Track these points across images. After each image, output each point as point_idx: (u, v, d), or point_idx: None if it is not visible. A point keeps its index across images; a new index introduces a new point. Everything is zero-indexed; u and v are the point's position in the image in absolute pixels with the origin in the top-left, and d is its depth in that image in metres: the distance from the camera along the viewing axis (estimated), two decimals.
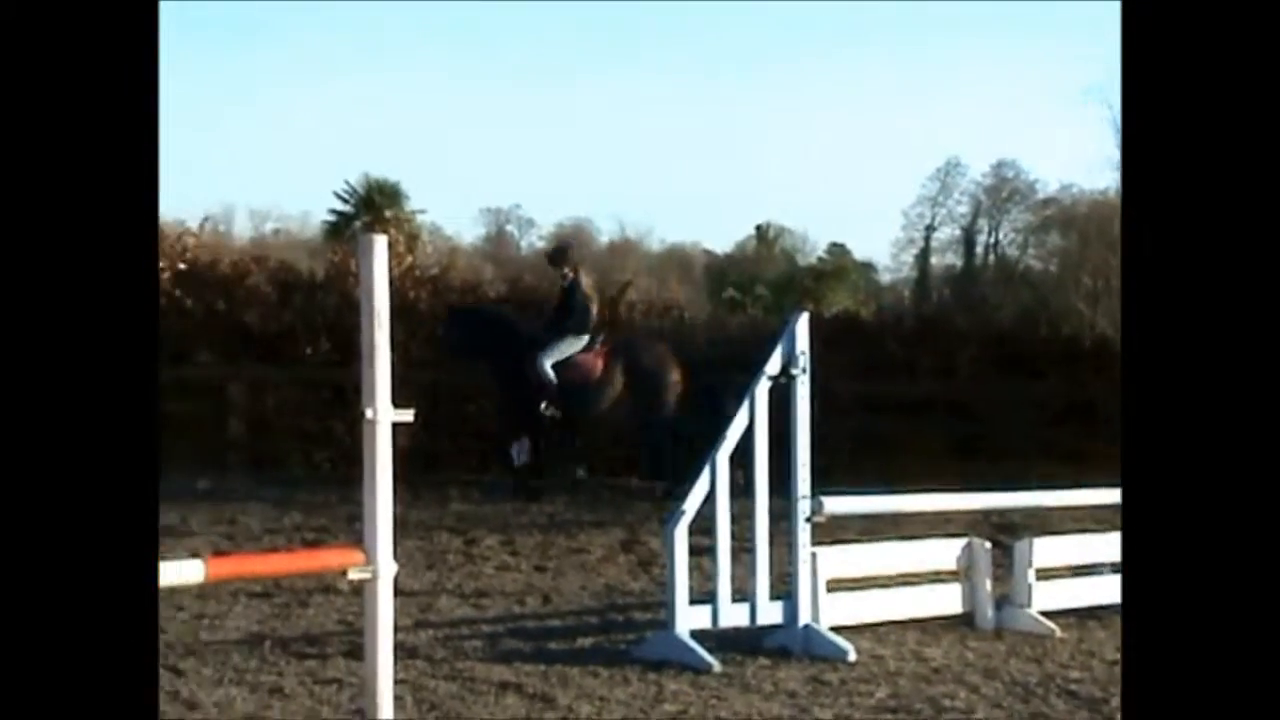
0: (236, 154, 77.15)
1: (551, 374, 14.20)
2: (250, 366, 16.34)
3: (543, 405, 14.20)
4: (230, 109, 79.81)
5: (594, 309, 14.37)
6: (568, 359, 14.21)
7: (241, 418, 16.32)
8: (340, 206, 38.80)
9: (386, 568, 5.32)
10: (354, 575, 5.43)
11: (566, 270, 14.66)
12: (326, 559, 6.61)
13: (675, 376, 14.25)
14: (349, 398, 15.27)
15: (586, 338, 14.29)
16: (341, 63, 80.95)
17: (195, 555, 9.34)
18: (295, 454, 16.31)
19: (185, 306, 16.54)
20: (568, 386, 14.14)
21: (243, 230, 46.09)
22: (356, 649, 6.90)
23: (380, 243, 5.39)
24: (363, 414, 5.38)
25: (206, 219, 20.07)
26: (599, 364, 14.24)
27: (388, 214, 32.09)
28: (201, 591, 8.37)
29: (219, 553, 9.92)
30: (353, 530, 10.52)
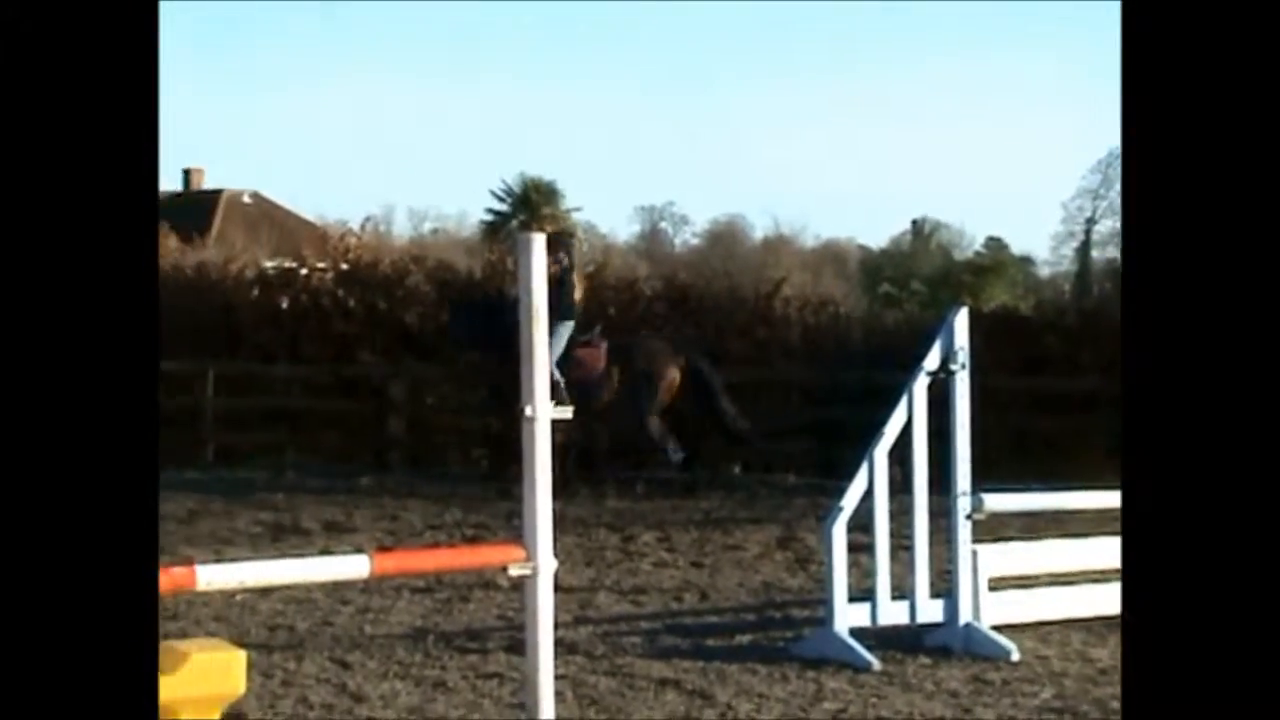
0: (396, 155, 78.42)
1: (557, 371, 14.24)
2: (410, 365, 16.58)
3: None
4: (389, 112, 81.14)
5: (579, 295, 14.61)
6: (571, 355, 14.39)
7: (402, 416, 16.57)
8: (498, 206, 39.23)
9: (547, 564, 5.36)
10: (515, 571, 5.49)
11: (560, 258, 14.84)
12: (488, 555, 6.69)
13: (673, 374, 14.36)
14: (506, 396, 15.49)
15: (573, 323, 14.36)
16: (498, 64, 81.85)
17: (359, 550, 9.56)
18: (454, 451, 16.53)
19: (348, 307, 16.87)
20: (572, 382, 14.23)
21: (402, 230, 46.83)
22: (517, 644, 6.97)
23: (539, 241, 5.44)
24: (521, 411, 5.44)
25: (368, 219, 20.42)
26: (600, 360, 14.45)
27: (544, 212, 32.38)
28: (366, 586, 8.53)
29: (382, 548, 10.09)
30: (511, 527, 10.65)
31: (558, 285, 14.92)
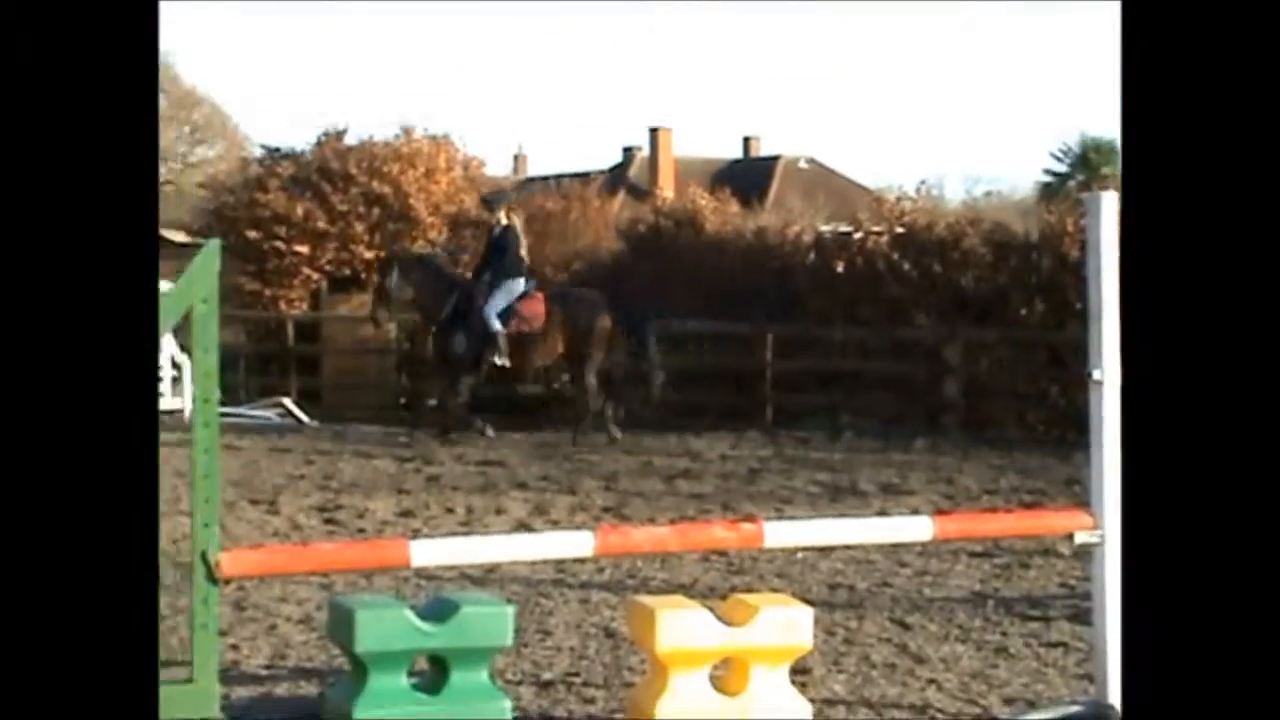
0: (948, 121, 77.74)
1: (499, 324, 14.32)
2: (966, 328, 16.44)
3: (494, 356, 14.39)
4: (943, 79, 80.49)
5: (525, 253, 14.69)
6: (510, 308, 14.35)
7: (957, 379, 16.47)
8: (1056, 167, 38.25)
9: (1115, 532, 5.20)
10: (1081, 539, 5.36)
11: (501, 215, 14.87)
12: (1051, 521, 6.54)
13: (607, 324, 14.69)
14: (1064, 359, 15.09)
15: (523, 281, 14.53)
16: (1051, 29, 79.60)
17: (917, 513, 9.58)
18: (1010, 416, 16.27)
19: (903, 270, 16.90)
20: (514, 336, 14.33)
21: (955, 194, 46.43)
22: (1081, 613, 6.80)
23: (1109, 200, 5.25)
24: (1089, 374, 5.29)
25: (922, 183, 20.35)
26: (541, 312, 14.53)
27: (1104, 172, 31.29)
28: (924, 549, 8.53)
29: (939, 511, 10.06)
30: (1070, 493, 10.37)
31: (501, 243, 14.74)
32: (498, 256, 14.69)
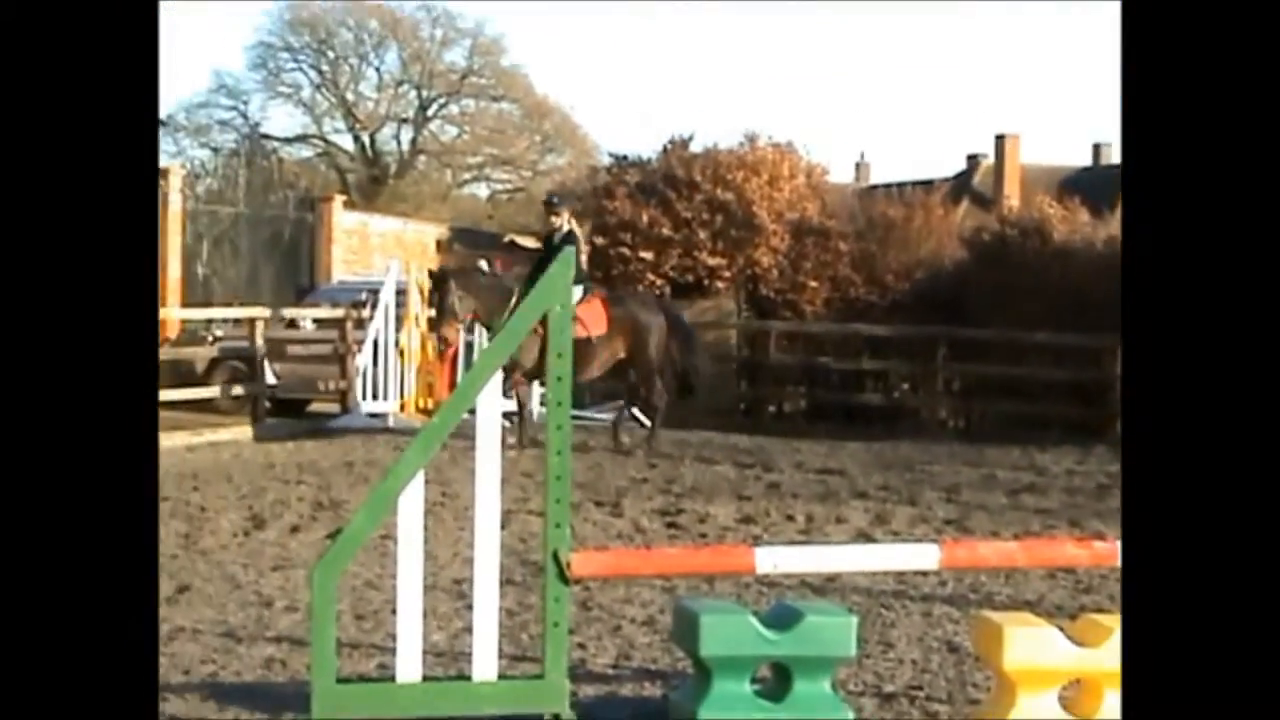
0: None
1: None
2: None
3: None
4: None
5: (585, 261, 14.19)
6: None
7: None
8: None
9: None
10: None
11: (563, 219, 14.03)
12: None
13: (665, 326, 14.21)
14: None
15: (582, 288, 13.44)
16: None
17: None
18: None
19: None
20: (577, 342, 12.93)
21: None
22: None
23: None
24: None
25: None
26: (603, 317, 13.80)
27: None
28: None
29: None
30: None
31: (563, 246, 13.78)
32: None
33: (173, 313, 20.13)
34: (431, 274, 14.06)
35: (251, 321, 16.41)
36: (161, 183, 22.75)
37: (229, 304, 21.34)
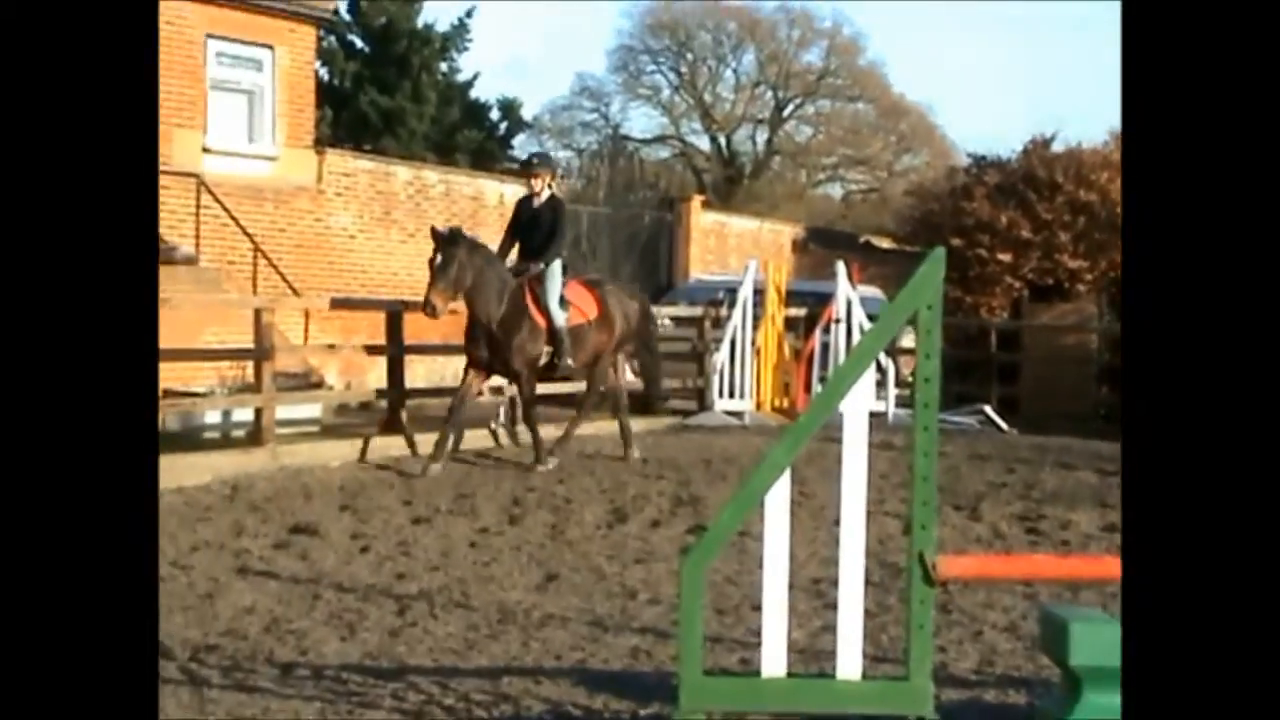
0: None
1: (561, 317, 11.81)
2: None
3: (552, 353, 11.93)
4: None
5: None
6: (564, 298, 11.89)
7: None
8: None
9: None
10: None
11: (543, 182, 12.10)
12: None
13: (649, 311, 13.45)
14: None
15: (562, 269, 12.17)
16: None
17: None
18: None
19: None
20: (572, 330, 12.01)
21: None
22: None
23: None
24: None
25: None
26: (593, 300, 12.45)
27: None
28: None
29: None
30: None
31: (550, 216, 12.07)
32: (537, 232, 12.11)
33: None
34: (436, 232, 11.75)
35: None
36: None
37: None
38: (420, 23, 32.57)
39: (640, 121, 68.07)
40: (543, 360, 12.07)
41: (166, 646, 6.27)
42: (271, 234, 19.71)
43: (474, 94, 34.13)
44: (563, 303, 12.05)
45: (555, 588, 7.77)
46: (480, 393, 12.75)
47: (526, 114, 37.34)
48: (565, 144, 44.88)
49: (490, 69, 51.84)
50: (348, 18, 31.64)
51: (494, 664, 6.18)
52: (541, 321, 11.92)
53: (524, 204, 12.29)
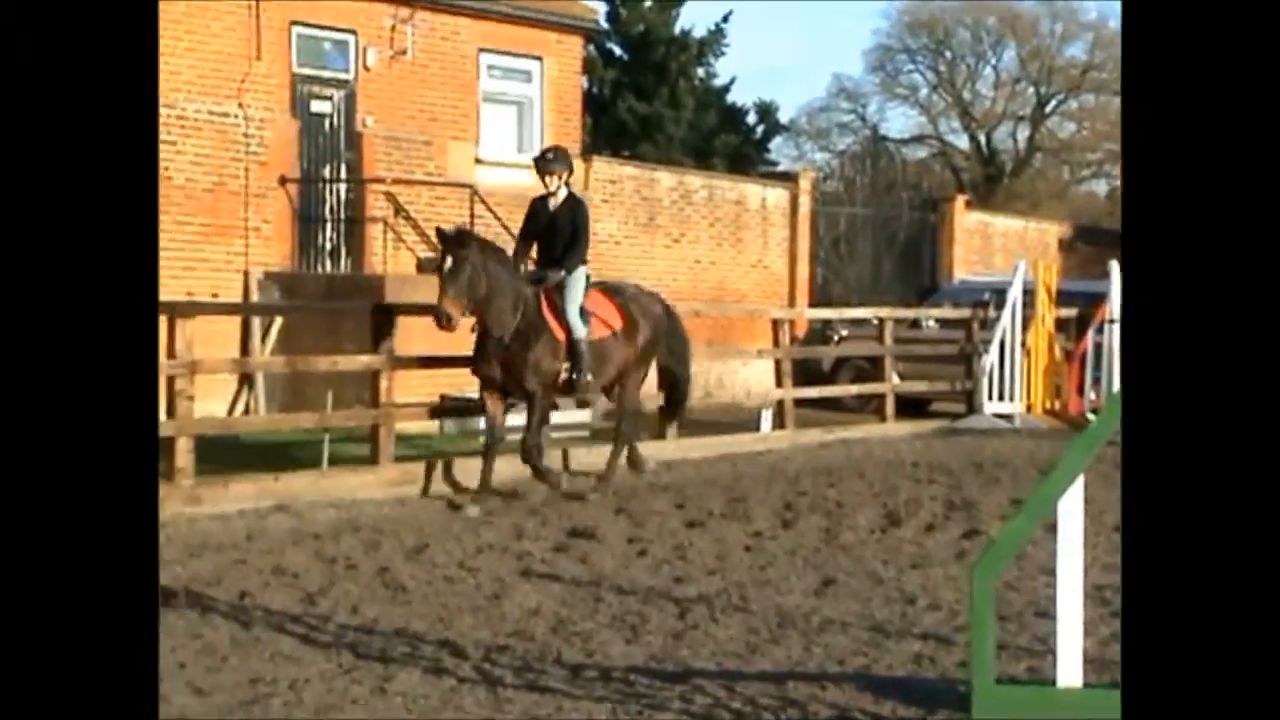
0: None
1: (582, 330, 10.56)
2: None
3: (571, 369, 10.63)
4: None
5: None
6: (584, 309, 10.64)
7: None
8: None
9: None
10: None
11: (556, 178, 10.78)
12: None
13: (674, 317, 12.08)
14: None
15: (586, 277, 10.93)
16: None
17: None
18: None
19: None
20: (594, 344, 10.80)
21: None
22: None
23: None
24: None
25: None
26: (615, 310, 11.16)
27: None
28: None
29: None
30: None
31: (571, 219, 10.81)
32: (558, 237, 10.92)
33: (802, 312, 20.85)
34: (442, 232, 10.52)
35: (881, 322, 16.67)
36: (792, 186, 23.61)
37: (846, 304, 21.83)
38: (677, 29, 32.84)
39: (898, 122, 67.60)
40: (561, 377, 10.82)
41: (459, 646, 6.47)
42: None
43: (730, 98, 34.25)
44: (583, 314, 10.79)
45: (833, 592, 7.76)
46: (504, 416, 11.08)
47: (783, 117, 37.34)
48: (823, 146, 44.77)
49: (747, 73, 51.86)
50: (606, 26, 32.10)
51: (777, 668, 6.20)
52: (560, 334, 10.68)
53: (540, 205, 11.01)
